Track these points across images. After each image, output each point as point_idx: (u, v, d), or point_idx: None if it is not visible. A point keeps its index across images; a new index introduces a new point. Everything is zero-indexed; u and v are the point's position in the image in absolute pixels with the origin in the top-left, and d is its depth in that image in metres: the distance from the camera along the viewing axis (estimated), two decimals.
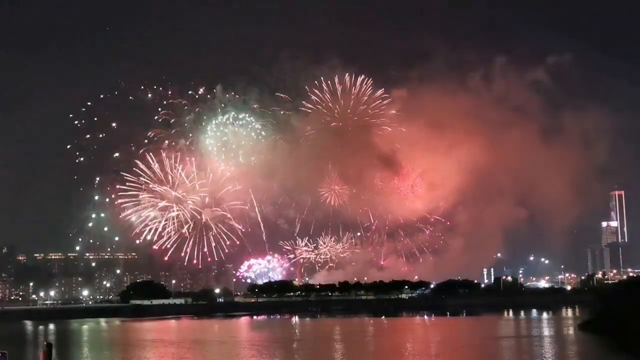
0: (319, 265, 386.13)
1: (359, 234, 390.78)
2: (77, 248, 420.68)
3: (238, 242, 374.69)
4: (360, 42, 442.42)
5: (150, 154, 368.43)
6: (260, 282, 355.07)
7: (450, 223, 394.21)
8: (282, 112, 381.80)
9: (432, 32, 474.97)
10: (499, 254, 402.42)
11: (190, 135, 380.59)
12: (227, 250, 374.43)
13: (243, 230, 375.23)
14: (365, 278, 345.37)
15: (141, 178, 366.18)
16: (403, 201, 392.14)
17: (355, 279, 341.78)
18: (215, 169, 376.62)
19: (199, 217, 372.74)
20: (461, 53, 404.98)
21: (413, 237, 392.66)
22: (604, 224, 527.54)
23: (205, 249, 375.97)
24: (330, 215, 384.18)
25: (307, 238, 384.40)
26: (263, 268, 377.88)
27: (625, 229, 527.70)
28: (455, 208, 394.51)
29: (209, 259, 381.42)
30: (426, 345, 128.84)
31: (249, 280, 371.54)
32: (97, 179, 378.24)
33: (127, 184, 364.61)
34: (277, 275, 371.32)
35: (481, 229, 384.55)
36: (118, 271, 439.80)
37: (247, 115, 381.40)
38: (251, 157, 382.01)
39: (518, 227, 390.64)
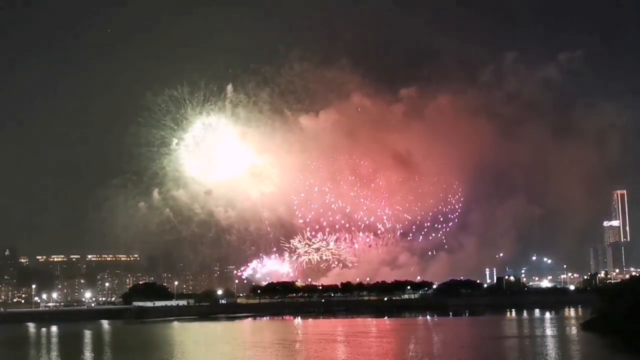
0: (327, 265, 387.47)
1: (370, 233, 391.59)
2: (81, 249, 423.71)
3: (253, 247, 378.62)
4: (368, 42, 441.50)
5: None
6: (263, 282, 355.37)
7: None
8: (291, 113, 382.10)
9: (440, 29, 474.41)
10: (501, 254, 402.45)
11: (199, 134, 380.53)
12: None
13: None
14: (368, 278, 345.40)
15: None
16: (415, 200, 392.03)
17: (358, 279, 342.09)
18: (224, 169, 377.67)
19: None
20: (471, 50, 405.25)
21: (426, 236, 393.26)
22: (606, 223, 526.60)
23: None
24: (343, 215, 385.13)
25: (318, 237, 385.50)
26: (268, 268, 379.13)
27: (627, 228, 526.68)
28: (468, 206, 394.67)
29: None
30: (429, 345, 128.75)
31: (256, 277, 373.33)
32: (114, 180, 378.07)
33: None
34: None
35: (494, 227, 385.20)
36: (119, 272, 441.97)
37: (257, 115, 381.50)
38: (261, 158, 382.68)
39: (530, 225, 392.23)
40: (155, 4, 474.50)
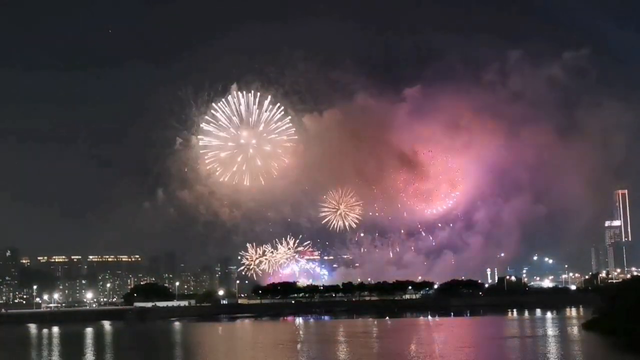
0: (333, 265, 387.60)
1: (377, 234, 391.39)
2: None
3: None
4: (372, 42, 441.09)
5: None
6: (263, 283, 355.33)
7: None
8: (295, 113, 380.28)
9: (444, 28, 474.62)
10: (502, 254, 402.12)
11: (203, 134, 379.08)
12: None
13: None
14: (369, 278, 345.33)
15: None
16: (420, 199, 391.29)
17: (359, 279, 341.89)
18: (228, 169, 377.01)
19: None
20: (475, 49, 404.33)
21: (432, 235, 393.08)
22: (608, 223, 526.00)
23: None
24: (348, 215, 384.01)
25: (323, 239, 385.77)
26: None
27: (629, 228, 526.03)
28: (473, 205, 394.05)
29: None
30: (430, 346, 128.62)
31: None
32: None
33: None
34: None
35: (499, 226, 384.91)
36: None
37: (261, 115, 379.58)
38: (265, 158, 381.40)
39: (535, 225, 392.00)
40: (159, 5, 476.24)
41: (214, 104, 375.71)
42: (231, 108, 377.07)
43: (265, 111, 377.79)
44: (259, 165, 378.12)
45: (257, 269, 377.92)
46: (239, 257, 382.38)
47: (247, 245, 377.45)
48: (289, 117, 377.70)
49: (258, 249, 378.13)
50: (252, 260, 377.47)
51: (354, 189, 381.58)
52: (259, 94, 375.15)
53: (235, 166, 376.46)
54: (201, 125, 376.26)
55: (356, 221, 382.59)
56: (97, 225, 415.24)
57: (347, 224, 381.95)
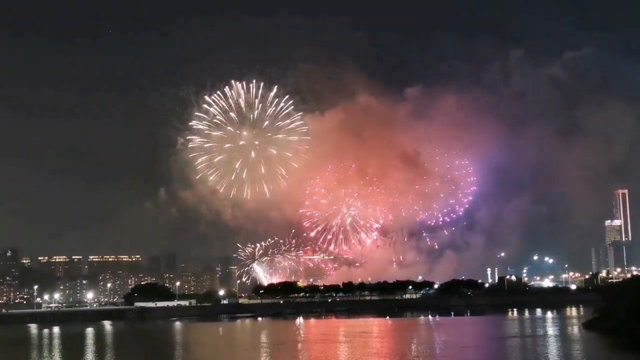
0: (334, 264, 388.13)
1: (376, 233, 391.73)
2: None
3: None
4: (373, 41, 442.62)
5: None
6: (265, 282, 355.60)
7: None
8: (297, 113, 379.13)
9: (445, 27, 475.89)
10: (502, 254, 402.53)
11: (204, 135, 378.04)
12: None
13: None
14: (370, 278, 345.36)
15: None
16: (422, 199, 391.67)
17: (360, 279, 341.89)
18: (230, 169, 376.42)
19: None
20: (476, 48, 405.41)
21: (433, 235, 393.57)
22: (608, 222, 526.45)
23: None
24: (350, 215, 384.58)
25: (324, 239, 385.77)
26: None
27: (629, 228, 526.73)
28: (474, 205, 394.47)
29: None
30: (431, 346, 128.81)
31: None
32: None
33: None
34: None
35: (500, 226, 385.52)
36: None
37: (262, 114, 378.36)
38: (267, 158, 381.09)
39: (536, 224, 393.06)
40: (162, 5, 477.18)
41: (206, 97, 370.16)
42: (228, 102, 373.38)
43: (270, 106, 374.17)
44: (262, 172, 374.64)
45: (258, 269, 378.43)
46: (240, 257, 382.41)
47: (248, 244, 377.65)
48: (300, 114, 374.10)
49: (259, 248, 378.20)
50: (253, 260, 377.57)
51: (356, 189, 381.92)
52: (262, 84, 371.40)
53: (233, 174, 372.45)
54: (190, 122, 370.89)
55: (361, 221, 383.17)
56: (98, 225, 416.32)
57: (348, 226, 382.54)
